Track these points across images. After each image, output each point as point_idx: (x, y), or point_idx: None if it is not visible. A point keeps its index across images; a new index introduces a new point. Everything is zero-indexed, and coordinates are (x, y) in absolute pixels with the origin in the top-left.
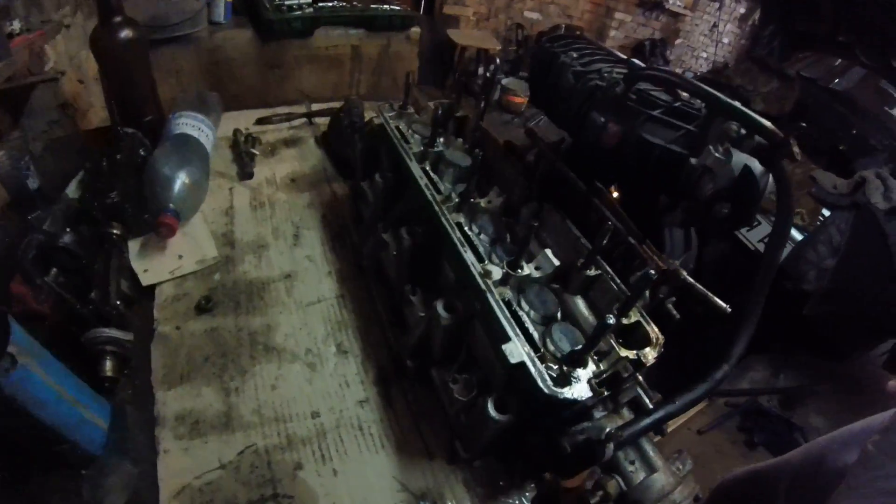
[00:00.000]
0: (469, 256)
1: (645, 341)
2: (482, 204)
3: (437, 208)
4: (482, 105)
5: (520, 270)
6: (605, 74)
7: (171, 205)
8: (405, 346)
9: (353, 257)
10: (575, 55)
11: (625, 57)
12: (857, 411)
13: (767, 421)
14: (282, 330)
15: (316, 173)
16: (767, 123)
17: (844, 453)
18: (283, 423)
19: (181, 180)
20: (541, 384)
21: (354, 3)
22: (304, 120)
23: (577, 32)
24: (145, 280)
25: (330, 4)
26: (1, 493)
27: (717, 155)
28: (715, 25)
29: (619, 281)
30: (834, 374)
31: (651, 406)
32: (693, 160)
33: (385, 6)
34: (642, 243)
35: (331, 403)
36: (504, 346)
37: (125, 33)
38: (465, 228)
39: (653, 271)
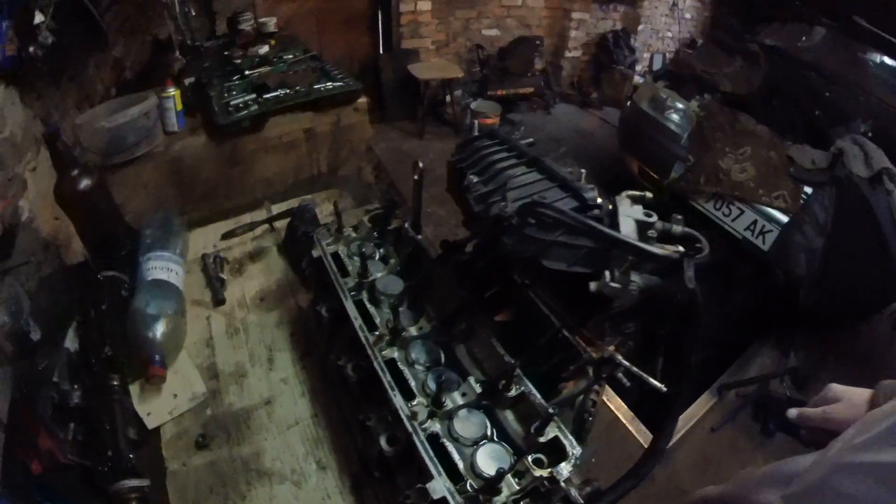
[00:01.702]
0: (398, 400)
1: (562, 455)
2: (413, 332)
3: (369, 351)
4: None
5: (446, 403)
6: (504, 203)
7: (156, 356)
8: (370, 458)
9: (321, 373)
10: (475, 178)
11: (532, 155)
12: (871, 374)
13: (779, 406)
14: (268, 454)
15: (281, 287)
16: (657, 251)
17: (761, 494)
18: None
19: (161, 330)
20: None
21: (298, 88)
22: (266, 226)
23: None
24: (150, 424)
25: (274, 94)
26: None
27: (612, 284)
28: (675, 4)
29: (539, 398)
30: (845, 343)
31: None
32: (592, 285)
33: (328, 84)
34: (575, 333)
35: None
36: (427, 485)
37: (85, 183)
38: (398, 363)
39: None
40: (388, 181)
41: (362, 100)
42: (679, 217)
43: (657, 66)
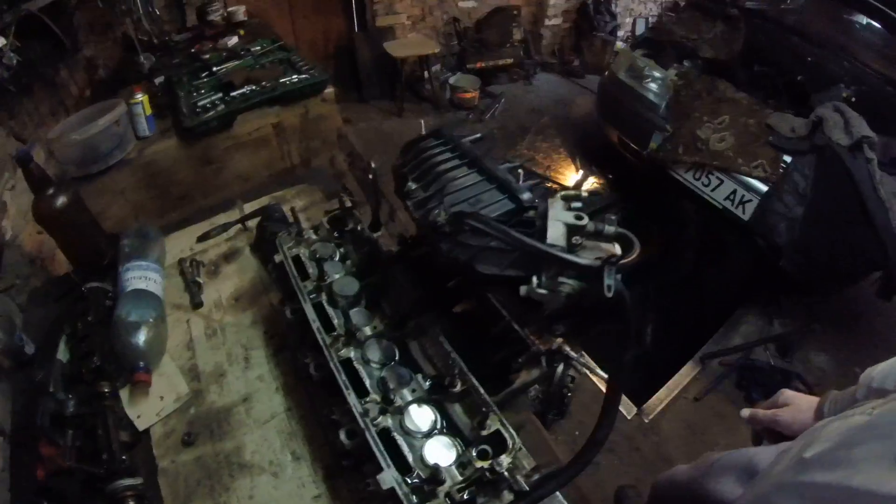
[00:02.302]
0: (351, 398)
1: (503, 447)
2: (367, 331)
3: (325, 352)
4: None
5: (396, 399)
6: (438, 210)
7: (140, 363)
8: (339, 449)
9: (293, 369)
10: (413, 184)
11: (473, 156)
12: (857, 341)
13: (763, 374)
14: (248, 448)
15: (254, 286)
16: (577, 261)
17: (715, 481)
18: None
19: (143, 338)
20: (405, 502)
21: (264, 83)
22: (239, 226)
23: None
24: (140, 425)
25: (241, 92)
26: None
27: (538, 290)
28: None
29: (482, 392)
30: (830, 310)
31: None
32: (521, 289)
33: (294, 77)
34: (524, 326)
35: (293, 502)
36: (378, 476)
37: (60, 200)
38: (354, 362)
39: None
40: (362, 167)
41: (329, 90)
42: (612, 217)
43: (640, 30)
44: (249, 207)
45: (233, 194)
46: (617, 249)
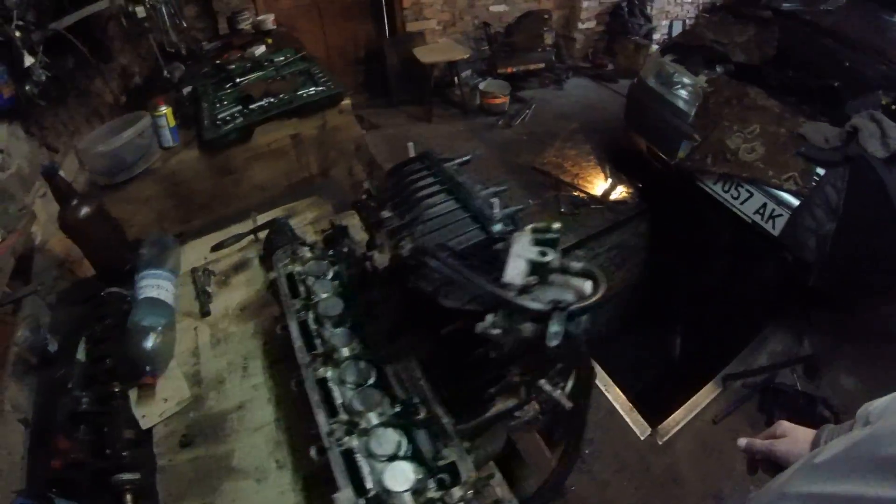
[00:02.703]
0: (319, 417)
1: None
2: (346, 353)
3: (303, 371)
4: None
5: (361, 422)
6: (404, 242)
7: (147, 367)
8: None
9: (285, 382)
10: (388, 212)
11: (452, 183)
12: (890, 363)
13: (787, 398)
14: (238, 454)
15: (260, 298)
16: (525, 304)
17: None
18: None
19: (151, 343)
20: None
21: (282, 96)
22: (251, 237)
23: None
24: (144, 424)
25: (259, 105)
26: None
27: (491, 330)
28: None
29: (445, 422)
30: (861, 329)
31: None
32: (478, 326)
33: (311, 89)
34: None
35: None
36: (334, 496)
37: (84, 211)
38: (329, 382)
39: None
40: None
41: (346, 102)
42: (580, 253)
43: (676, 33)
44: (263, 219)
45: (252, 203)
46: (588, 288)
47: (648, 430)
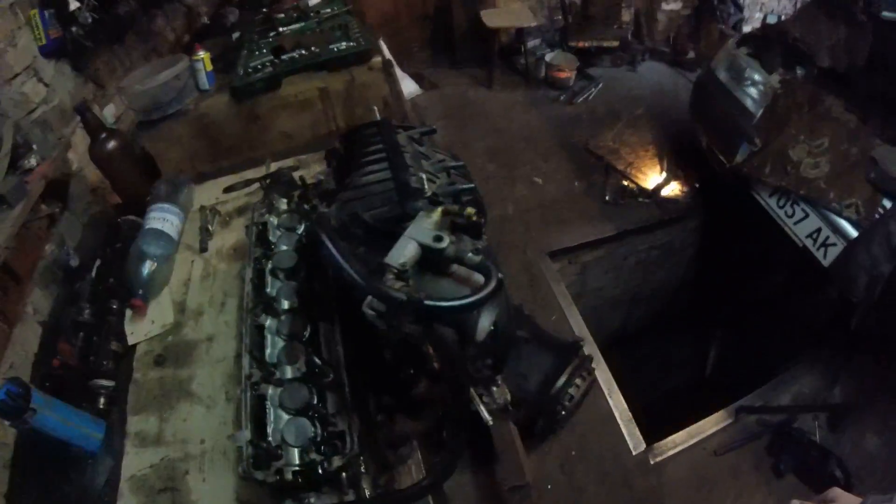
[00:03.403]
0: (244, 360)
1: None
2: (286, 305)
3: (244, 314)
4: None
5: (277, 374)
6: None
7: (139, 290)
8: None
9: None
10: (322, 176)
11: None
12: None
13: (799, 448)
14: (197, 380)
15: None
16: (390, 294)
17: None
18: (185, 444)
19: (146, 270)
20: (243, 464)
21: (313, 48)
22: (260, 184)
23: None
24: (130, 341)
25: (290, 56)
26: (32, 480)
27: (366, 310)
28: None
29: (346, 391)
30: None
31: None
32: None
33: (342, 44)
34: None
35: (213, 435)
36: (235, 434)
37: (111, 144)
38: (265, 330)
39: None
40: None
41: (376, 59)
42: (480, 245)
43: None
44: (276, 166)
45: (277, 149)
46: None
47: (643, 446)
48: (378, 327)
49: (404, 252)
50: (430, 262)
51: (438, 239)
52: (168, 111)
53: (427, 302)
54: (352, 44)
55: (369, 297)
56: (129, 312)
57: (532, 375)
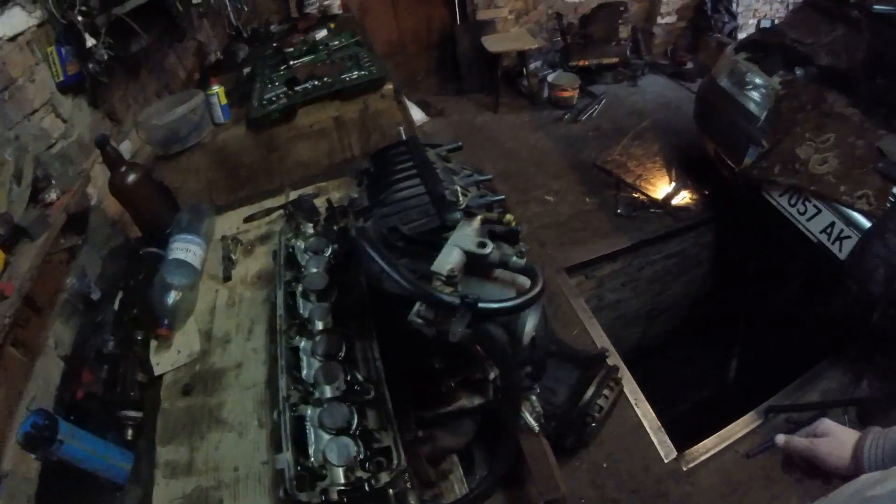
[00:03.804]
0: (282, 382)
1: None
2: (319, 326)
3: (278, 337)
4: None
5: (315, 393)
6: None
7: (165, 320)
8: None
9: None
10: (356, 193)
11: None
12: None
13: None
14: (227, 407)
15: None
16: (442, 298)
17: None
18: (217, 473)
19: (171, 299)
20: (287, 485)
21: (325, 79)
22: (281, 212)
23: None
24: (157, 371)
25: (303, 87)
26: None
27: (415, 318)
28: None
29: (389, 406)
30: None
31: None
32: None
33: (354, 73)
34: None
35: (246, 461)
36: (276, 455)
37: (132, 177)
38: (300, 352)
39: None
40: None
41: (388, 86)
42: (524, 249)
43: None
44: (296, 195)
45: (295, 179)
46: (523, 282)
47: (674, 454)
48: (425, 336)
49: (450, 259)
50: (473, 268)
51: (482, 245)
52: (186, 145)
53: (482, 304)
54: (363, 72)
55: (417, 306)
56: (154, 343)
57: (559, 389)
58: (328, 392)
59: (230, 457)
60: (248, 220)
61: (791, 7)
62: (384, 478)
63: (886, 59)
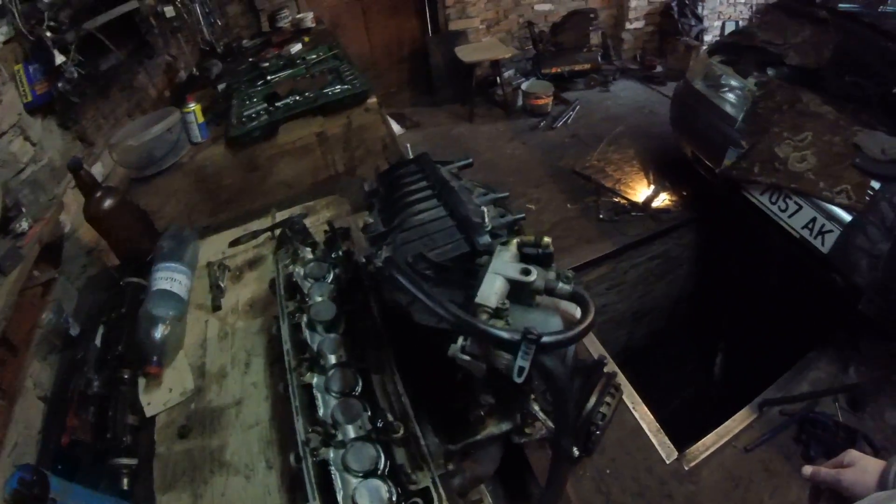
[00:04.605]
0: (299, 424)
1: None
2: (332, 360)
3: (287, 374)
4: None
5: (338, 434)
6: (380, 252)
7: (153, 357)
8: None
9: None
10: (370, 218)
11: (442, 188)
12: None
13: (826, 430)
14: (230, 448)
15: (268, 295)
16: (492, 332)
17: None
18: None
19: (159, 333)
20: None
21: (307, 94)
22: (268, 234)
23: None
24: (148, 412)
25: (285, 102)
26: None
27: (460, 355)
28: None
29: (422, 444)
30: None
31: None
32: (451, 348)
33: (336, 87)
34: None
35: None
36: None
37: (108, 202)
38: (314, 389)
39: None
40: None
41: (372, 100)
42: (569, 274)
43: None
44: (282, 216)
45: (277, 199)
46: (578, 312)
47: (675, 454)
48: (468, 370)
49: (494, 289)
50: (515, 295)
51: (526, 272)
52: (163, 166)
53: (546, 339)
54: (346, 86)
55: (461, 341)
56: (142, 381)
57: None
58: (351, 432)
59: (239, 503)
60: (233, 244)
61: (754, 8)
62: None
63: (854, 56)
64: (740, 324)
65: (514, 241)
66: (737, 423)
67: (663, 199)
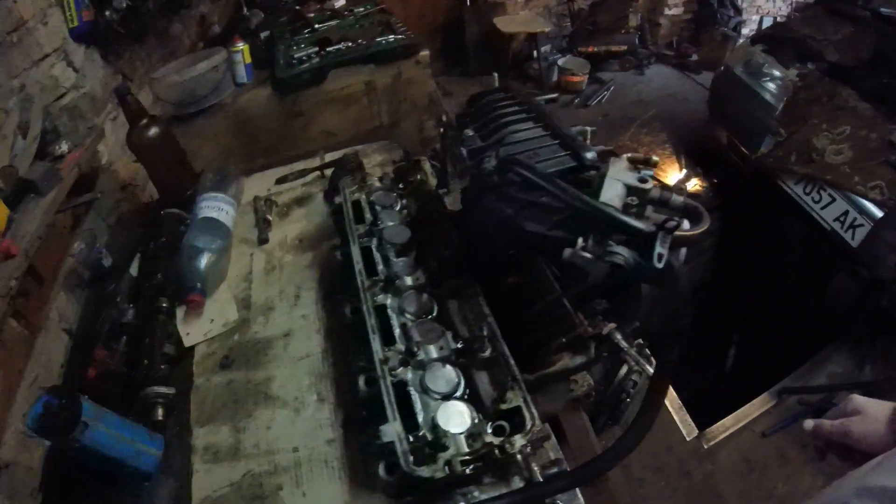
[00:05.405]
0: (375, 344)
1: (521, 426)
2: (409, 282)
3: (361, 294)
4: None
5: (419, 353)
6: (489, 157)
7: (197, 284)
8: (358, 397)
9: (336, 314)
10: (471, 131)
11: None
12: None
13: None
14: (277, 381)
15: (319, 231)
16: (632, 222)
17: None
18: (272, 455)
19: (204, 262)
20: (402, 462)
21: (360, 41)
22: (317, 174)
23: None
24: (187, 342)
25: (336, 48)
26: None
27: (582, 254)
28: None
29: (512, 363)
30: None
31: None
32: (566, 251)
33: (390, 37)
34: (575, 305)
35: (307, 441)
36: (382, 427)
37: (152, 131)
38: (388, 310)
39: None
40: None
41: (424, 53)
42: (682, 189)
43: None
44: (331, 157)
45: (318, 148)
46: (685, 225)
47: (695, 432)
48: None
49: (616, 192)
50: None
51: (643, 180)
52: (204, 105)
53: (679, 232)
54: (400, 36)
55: (581, 242)
56: (180, 312)
57: (594, 367)
58: (433, 352)
59: (287, 437)
60: (280, 181)
61: (794, 5)
62: (519, 441)
63: (891, 58)
64: (755, 317)
65: (625, 155)
66: (755, 407)
67: (693, 185)
